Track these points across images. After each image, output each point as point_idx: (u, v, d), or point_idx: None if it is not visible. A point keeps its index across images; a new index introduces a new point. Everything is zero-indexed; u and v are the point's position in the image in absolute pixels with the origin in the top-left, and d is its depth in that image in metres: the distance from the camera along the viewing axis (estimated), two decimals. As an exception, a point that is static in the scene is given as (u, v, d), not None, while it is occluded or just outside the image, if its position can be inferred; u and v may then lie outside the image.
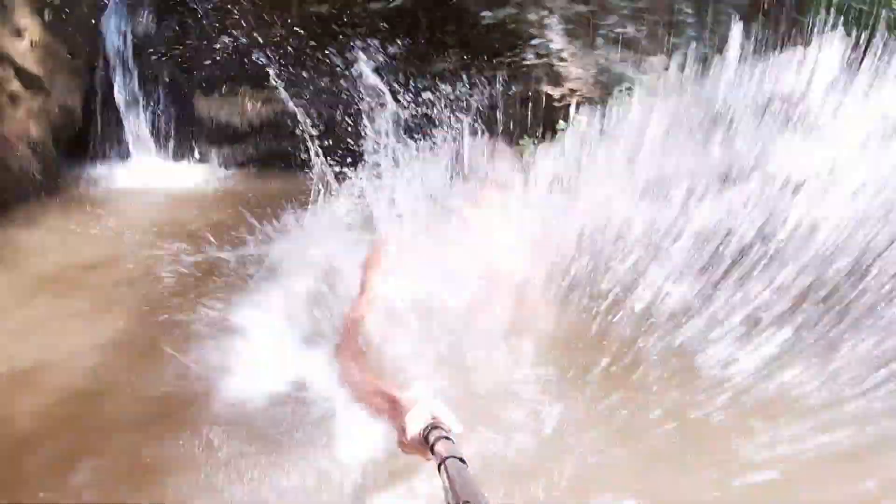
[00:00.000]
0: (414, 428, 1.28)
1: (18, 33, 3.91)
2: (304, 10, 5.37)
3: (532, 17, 5.18)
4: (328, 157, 3.44)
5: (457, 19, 5.26)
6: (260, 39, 5.17)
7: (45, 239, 3.50)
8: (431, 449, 1.20)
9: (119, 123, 4.94)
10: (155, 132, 5.21)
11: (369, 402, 1.57)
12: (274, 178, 5.22)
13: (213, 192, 4.84)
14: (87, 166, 4.74)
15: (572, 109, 5.68)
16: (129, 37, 4.87)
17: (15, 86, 3.81)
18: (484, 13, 5.16)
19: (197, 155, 5.47)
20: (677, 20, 6.07)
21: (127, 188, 4.65)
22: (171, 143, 5.32)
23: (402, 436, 1.32)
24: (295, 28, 5.24)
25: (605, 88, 5.69)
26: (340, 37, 5.15)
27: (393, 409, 1.44)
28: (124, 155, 4.99)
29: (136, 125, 5.04)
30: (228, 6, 5.32)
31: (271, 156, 5.54)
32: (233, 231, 3.40)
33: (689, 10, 6.12)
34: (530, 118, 5.50)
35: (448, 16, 5.25)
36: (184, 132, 5.43)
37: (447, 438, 1.21)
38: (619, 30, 5.70)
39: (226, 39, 5.33)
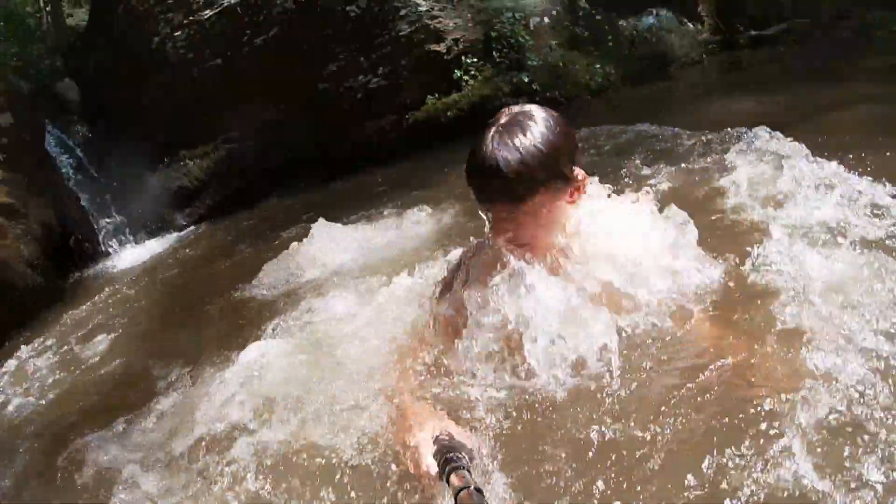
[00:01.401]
0: (428, 457, 1.26)
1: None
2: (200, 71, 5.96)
3: (390, -8, 5.76)
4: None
5: (329, 22, 5.81)
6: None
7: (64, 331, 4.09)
8: (447, 479, 1.18)
9: (91, 225, 5.56)
10: (125, 220, 5.85)
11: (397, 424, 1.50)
12: (231, 223, 5.82)
13: (185, 256, 5.33)
14: (80, 270, 5.34)
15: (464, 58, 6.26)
16: (73, 150, 5.51)
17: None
18: (348, 8, 5.71)
19: (167, 225, 6.09)
20: None
21: (118, 274, 5.26)
22: (141, 225, 5.96)
23: (416, 465, 1.30)
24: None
25: (488, 26, 6.28)
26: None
27: (404, 432, 1.40)
28: (108, 249, 5.62)
29: (107, 220, 5.67)
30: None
31: (224, 202, 6.18)
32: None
33: None
34: (428, 79, 6.11)
35: (320, 22, 5.78)
36: (148, 210, 6.08)
37: (462, 468, 1.19)
38: None
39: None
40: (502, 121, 1.46)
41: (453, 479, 1.15)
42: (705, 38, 7.17)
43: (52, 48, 7.01)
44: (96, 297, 4.57)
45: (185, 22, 5.52)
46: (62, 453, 2.27)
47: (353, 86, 6.02)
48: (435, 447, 1.26)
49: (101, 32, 6.22)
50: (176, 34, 5.53)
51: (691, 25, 7.16)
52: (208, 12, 5.48)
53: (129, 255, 5.62)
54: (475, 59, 6.18)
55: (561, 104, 6.27)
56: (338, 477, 1.50)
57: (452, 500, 1.12)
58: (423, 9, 5.89)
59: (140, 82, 5.80)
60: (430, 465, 1.24)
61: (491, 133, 1.44)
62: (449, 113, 6.09)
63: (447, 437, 1.29)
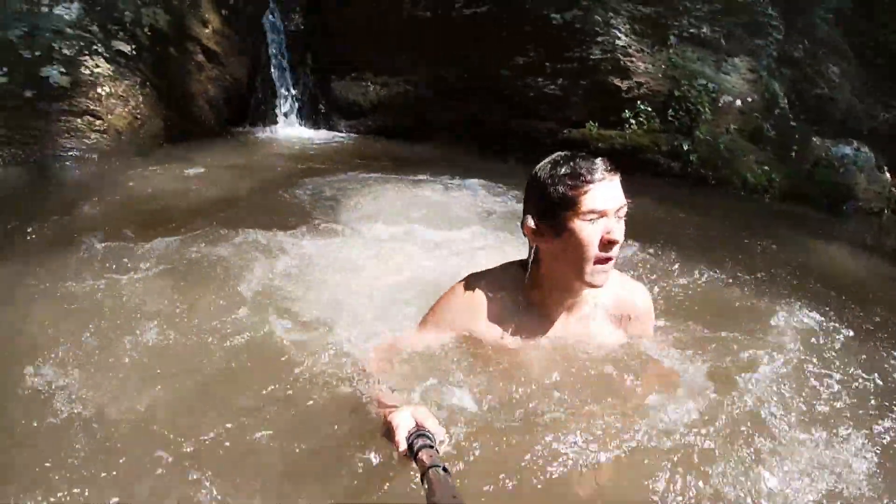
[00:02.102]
0: (400, 433, 1.33)
1: (204, 23, 5.62)
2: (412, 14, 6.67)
3: (598, 17, 6.08)
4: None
5: (531, 22, 6.25)
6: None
7: (216, 160, 5.07)
8: (415, 457, 1.25)
9: (272, 96, 6.58)
10: (298, 105, 6.82)
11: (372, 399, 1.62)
12: (383, 143, 6.64)
13: (334, 150, 6.27)
14: (245, 125, 6.43)
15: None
16: (282, 31, 6.54)
17: (200, 58, 5.51)
18: (553, 15, 6.14)
19: (329, 124, 7.01)
20: (758, 21, 6.58)
21: (275, 141, 6.25)
22: (310, 114, 6.92)
23: (389, 437, 1.38)
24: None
25: (675, 83, 6.39)
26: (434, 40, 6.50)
27: (381, 409, 1.52)
28: (273, 120, 6.63)
29: (285, 98, 6.68)
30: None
31: (383, 128, 6.98)
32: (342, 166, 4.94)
33: (773, 13, 6.61)
34: (598, 107, 6.37)
35: (524, 18, 6.26)
36: (322, 105, 7.02)
37: (430, 447, 1.27)
38: (692, 30, 6.39)
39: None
40: None
41: (422, 455, 1.23)
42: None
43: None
44: (246, 149, 5.57)
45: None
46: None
47: (530, 84, 6.44)
48: (408, 426, 1.34)
49: None
50: (402, -21, 6.27)
51: (888, 176, 6.72)
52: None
53: (289, 131, 6.62)
54: (649, 108, 6.33)
55: (710, 185, 6.29)
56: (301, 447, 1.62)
57: (419, 476, 1.21)
58: (621, 43, 6.12)
59: (362, 7, 6.64)
60: (401, 440, 1.32)
61: None
62: (600, 144, 6.33)
63: (421, 420, 1.36)
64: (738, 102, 6.50)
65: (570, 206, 1.65)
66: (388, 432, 1.37)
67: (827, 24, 6.74)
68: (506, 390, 1.72)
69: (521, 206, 1.79)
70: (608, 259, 1.71)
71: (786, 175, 6.45)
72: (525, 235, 1.77)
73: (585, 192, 1.64)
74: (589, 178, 1.64)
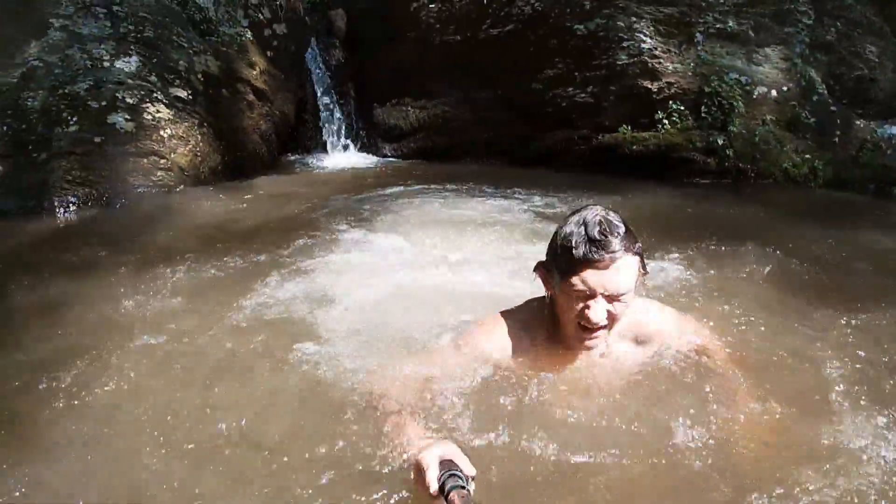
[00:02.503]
0: (431, 473, 1.30)
1: (252, 65, 6.11)
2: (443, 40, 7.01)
3: (620, 23, 6.26)
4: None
5: (556, 34, 6.47)
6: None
7: (271, 187, 5.49)
8: (446, 498, 1.23)
9: (319, 126, 7.02)
10: (343, 133, 7.24)
11: (390, 434, 1.58)
12: (424, 163, 6.97)
13: (378, 171, 6.62)
14: (296, 155, 6.88)
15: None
16: (324, 66, 6.99)
17: (250, 97, 5.98)
18: (577, 27, 6.33)
19: (373, 149, 7.40)
20: (786, 9, 6.59)
21: (323, 167, 6.66)
22: (355, 140, 7.33)
23: (418, 482, 1.34)
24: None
25: (705, 80, 6.47)
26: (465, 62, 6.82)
27: (408, 447, 1.48)
28: (321, 148, 7.06)
29: (331, 127, 7.11)
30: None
31: (424, 148, 7.31)
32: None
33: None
34: (630, 110, 6.51)
35: (549, 33, 6.49)
36: (364, 132, 7.42)
37: (462, 487, 1.24)
38: (718, 25, 6.47)
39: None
40: None
41: (453, 496, 1.21)
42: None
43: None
44: (297, 176, 5.99)
45: (440, -2, 6.61)
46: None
47: (561, 94, 6.63)
48: (438, 465, 1.30)
49: None
50: (430, 6, 6.65)
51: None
52: (460, -5, 6.50)
53: (336, 158, 7.07)
54: (681, 107, 6.41)
55: (750, 178, 6.31)
56: (336, 479, 1.61)
57: None
58: (647, 46, 6.26)
59: (393, 34, 7.04)
60: (432, 480, 1.28)
61: None
62: (635, 147, 6.46)
63: (450, 458, 1.33)
64: (774, 92, 6.50)
65: (563, 273, 1.68)
66: (419, 472, 1.33)
67: (859, 4, 6.65)
68: (534, 424, 1.72)
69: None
70: (592, 331, 1.73)
71: (829, 162, 6.37)
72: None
73: (579, 270, 1.64)
74: (587, 258, 1.62)
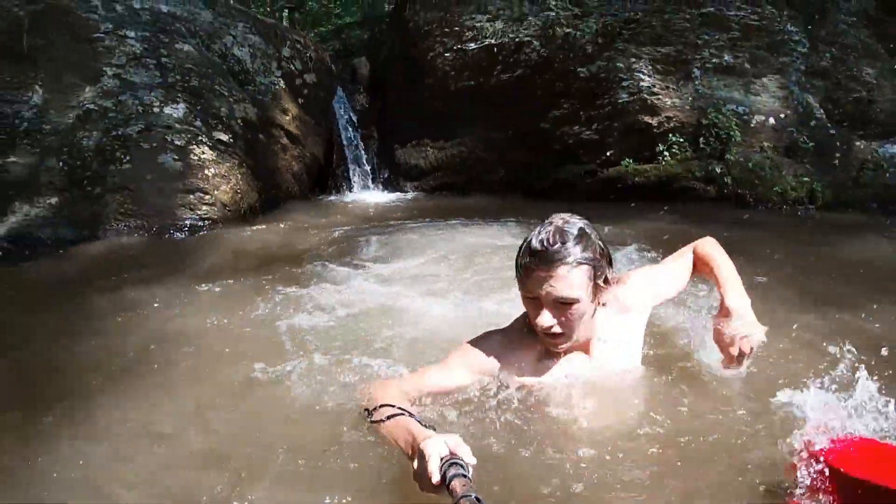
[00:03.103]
0: (433, 462, 1.28)
1: (285, 112, 6.77)
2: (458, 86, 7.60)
3: (620, 64, 6.78)
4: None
5: (561, 78, 7.04)
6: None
7: (302, 221, 6.04)
8: (448, 487, 1.21)
9: (346, 166, 7.61)
10: (368, 172, 7.82)
11: (391, 431, 1.57)
12: (443, 198, 7.48)
13: (400, 207, 7.13)
14: (325, 193, 7.46)
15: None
16: (350, 111, 7.63)
17: (284, 141, 6.60)
18: (580, 69, 6.91)
19: (396, 186, 7.94)
20: (779, 39, 6.98)
21: (347, 204, 7.21)
22: (379, 179, 7.90)
23: (420, 471, 1.32)
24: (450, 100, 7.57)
25: (703, 112, 6.88)
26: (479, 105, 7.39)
27: (410, 440, 1.46)
28: (348, 187, 7.63)
29: (357, 167, 7.69)
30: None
31: (443, 185, 7.83)
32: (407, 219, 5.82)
33: (794, 28, 7.00)
34: (633, 144, 6.95)
35: (555, 77, 7.06)
36: (388, 171, 7.99)
37: (464, 476, 1.22)
38: (714, 60, 6.91)
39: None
40: None
41: (455, 485, 1.20)
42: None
43: (360, 22, 9.12)
44: (326, 211, 6.54)
45: (455, 48, 7.22)
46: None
47: (568, 132, 7.15)
48: (440, 455, 1.29)
49: (395, 34, 8.27)
50: (446, 55, 7.26)
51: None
52: (472, 45, 7.10)
53: (362, 195, 7.62)
54: (681, 139, 6.85)
55: (749, 203, 6.66)
56: (335, 474, 1.66)
57: None
58: (646, 84, 6.75)
59: (412, 80, 7.66)
60: (434, 471, 1.27)
61: None
62: (637, 179, 6.89)
63: (451, 448, 1.32)
64: (771, 120, 6.87)
65: (518, 281, 1.78)
66: (420, 461, 1.33)
67: (852, 28, 6.97)
68: (526, 430, 1.77)
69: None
70: (552, 336, 1.78)
71: (829, 184, 6.65)
72: None
73: (524, 278, 1.73)
74: (528, 267, 1.71)
